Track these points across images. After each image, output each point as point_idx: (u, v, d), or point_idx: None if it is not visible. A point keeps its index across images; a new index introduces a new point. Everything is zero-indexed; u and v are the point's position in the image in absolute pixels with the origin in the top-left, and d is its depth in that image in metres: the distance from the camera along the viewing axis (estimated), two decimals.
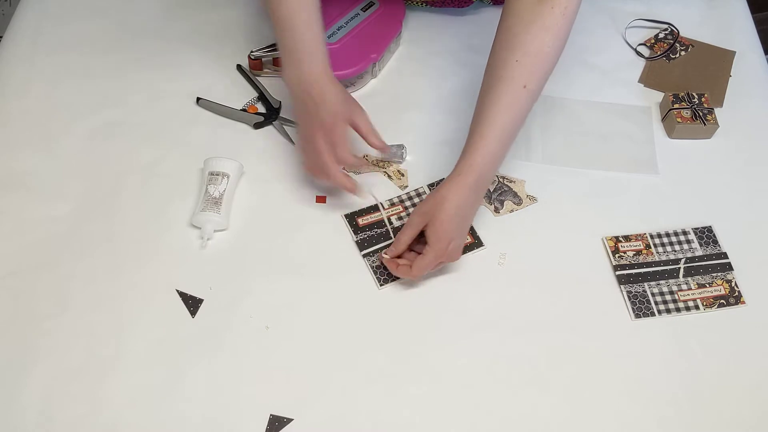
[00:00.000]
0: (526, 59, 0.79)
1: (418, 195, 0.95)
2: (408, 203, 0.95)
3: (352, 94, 1.04)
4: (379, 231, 0.92)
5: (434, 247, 0.82)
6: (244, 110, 1.02)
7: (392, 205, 0.94)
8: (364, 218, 0.93)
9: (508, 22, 0.82)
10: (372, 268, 0.89)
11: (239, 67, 1.06)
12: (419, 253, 0.84)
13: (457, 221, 0.82)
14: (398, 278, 0.88)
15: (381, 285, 0.88)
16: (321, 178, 0.89)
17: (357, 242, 0.91)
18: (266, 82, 1.05)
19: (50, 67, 1.05)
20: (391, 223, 0.92)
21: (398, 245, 0.85)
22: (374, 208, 0.94)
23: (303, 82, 0.86)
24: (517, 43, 0.80)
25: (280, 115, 1.02)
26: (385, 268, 0.88)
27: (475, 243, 0.92)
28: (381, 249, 0.90)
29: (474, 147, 0.81)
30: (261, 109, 1.02)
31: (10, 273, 0.86)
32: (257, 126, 1.00)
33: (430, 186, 0.96)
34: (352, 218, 0.92)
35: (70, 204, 0.92)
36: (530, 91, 0.80)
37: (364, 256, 0.90)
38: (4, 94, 1.02)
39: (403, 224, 0.89)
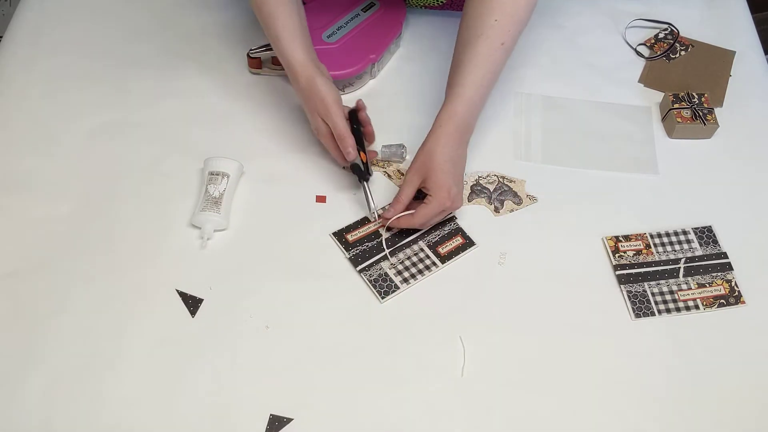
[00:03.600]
0: (504, 19, 0.86)
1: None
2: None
3: (351, 95, 1.05)
4: (370, 245, 0.91)
5: (437, 195, 0.86)
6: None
7: (379, 216, 0.92)
8: (353, 234, 0.91)
9: None
10: (370, 282, 0.88)
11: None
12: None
13: (450, 168, 0.87)
14: (398, 289, 0.87)
15: (383, 298, 0.87)
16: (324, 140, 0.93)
17: (350, 259, 0.90)
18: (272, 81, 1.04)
19: (50, 67, 1.05)
20: (380, 235, 0.91)
21: (398, 205, 0.89)
22: (362, 222, 0.93)
23: (303, 69, 0.91)
24: (495, 4, 0.87)
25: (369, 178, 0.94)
26: (384, 280, 0.88)
27: (467, 243, 0.91)
28: (376, 262, 0.89)
29: (453, 97, 0.87)
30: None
31: (10, 273, 0.86)
32: (353, 170, 0.94)
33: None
34: (341, 235, 0.91)
35: (70, 204, 0.92)
36: (507, 48, 0.88)
37: (360, 271, 0.88)
38: (4, 95, 1.02)
39: (393, 233, 0.91)
